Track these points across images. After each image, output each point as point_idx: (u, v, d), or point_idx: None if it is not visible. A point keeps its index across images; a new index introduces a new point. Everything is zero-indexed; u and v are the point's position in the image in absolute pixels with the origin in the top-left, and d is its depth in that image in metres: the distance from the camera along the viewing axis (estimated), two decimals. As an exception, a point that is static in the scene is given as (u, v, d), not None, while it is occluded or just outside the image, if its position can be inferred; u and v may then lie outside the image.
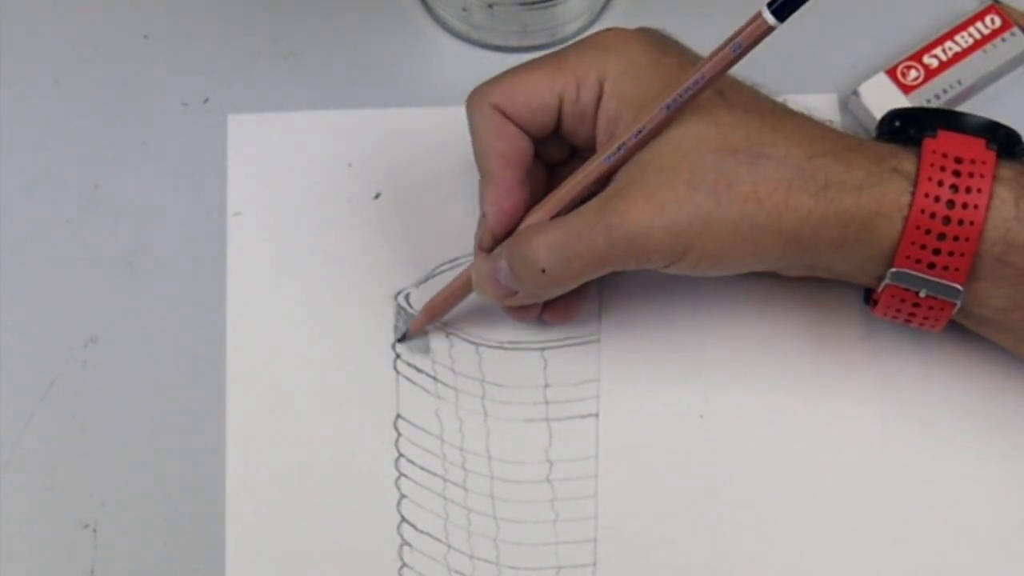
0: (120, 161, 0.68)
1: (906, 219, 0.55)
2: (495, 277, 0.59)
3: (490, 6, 0.68)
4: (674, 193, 0.55)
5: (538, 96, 0.59)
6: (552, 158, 0.63)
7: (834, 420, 0.63)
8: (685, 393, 0.64)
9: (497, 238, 0.60)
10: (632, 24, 0.60)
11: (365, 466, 0.63)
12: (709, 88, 0.55)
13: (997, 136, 0.57)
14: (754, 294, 0.65)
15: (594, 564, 0.61)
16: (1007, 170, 0.56)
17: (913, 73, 0.68)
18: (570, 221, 0.57)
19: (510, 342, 0.64)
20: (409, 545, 0.62)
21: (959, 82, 0.68)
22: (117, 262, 0.67)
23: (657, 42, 0.59)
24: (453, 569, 0.62)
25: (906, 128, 0.59)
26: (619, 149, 0.57)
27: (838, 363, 0.64)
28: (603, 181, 0.58)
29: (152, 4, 0.71)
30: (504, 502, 0.62)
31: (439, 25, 0.71)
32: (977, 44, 0.68)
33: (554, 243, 0.57)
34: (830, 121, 0.59)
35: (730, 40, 0.54)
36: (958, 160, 0.55)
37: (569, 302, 0.62)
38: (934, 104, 0.67)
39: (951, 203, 0.55)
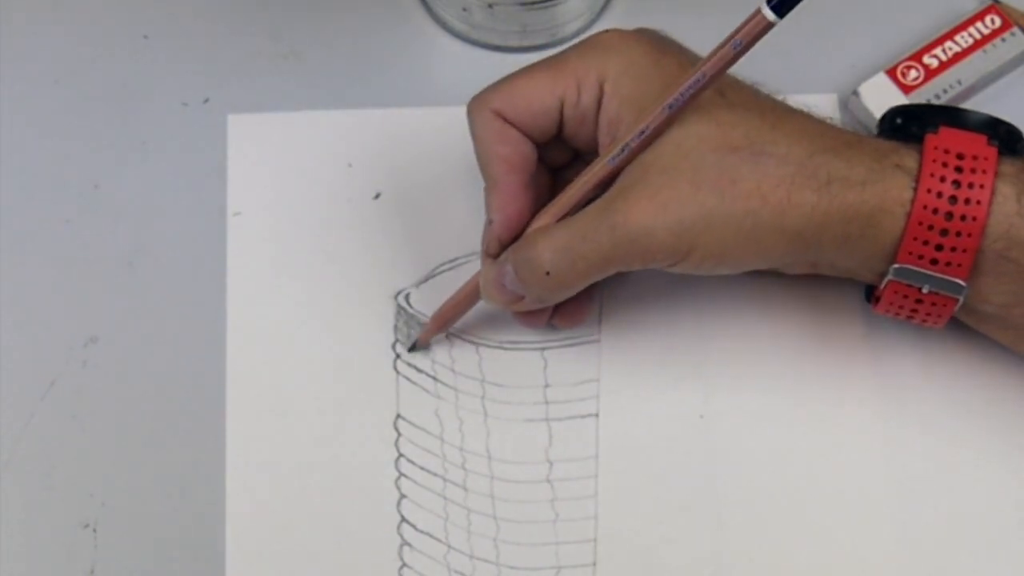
0: (120, 161, 0.68)
1: (909, 215, 0.55)
2: (501, 283, 0.59)
3: (490, 6, 0.68)
4: (677, 192, 0.55)
5: (539, 100, 0.59)
6: (555, 162, 0.63)
7: (834, 420, 0.63)
8: (685, 393, 0.64)
9: (504, 243, 0.60)
10: (632, 24, 0.60)
11: (365, 466, 0.63)
12: (710, 87, 0.55)
13: (998, 132, 0.57)
14: (754, 294, 0.65)
15: (594, 564, 0.61)
16: (1009, 166, 0.56)
17: (913, 73, 0.68)
18: (574, 223, 0.57)
19: (510, 342, 0.64)
20: (409, 545, 0.62)
21: (959, 82, 0.68)
22: (117, 262, 0.66)
23: (656, 42, 0.59)
24: (453, 569, 0.62)
25: (907, 125, 0.59)
26: (622, 150, 0.57)
27: (839, 363, 0.64)
28: (607, 183, 0.58)
29: (152, 4, 0.72)
30: (504, 502, 0.62)
31: (439, 25, 0.71)
32: (977, 44, 0.68)
33: (558, 246, 0.57)
34: (830, 118, 0.59)
35: (730, 38, 0.54)
36: (960, 156, 0.56)
37: (578, 305, 0.62)
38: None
39: (953, 199, 0.55)
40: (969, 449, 0.62)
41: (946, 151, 0.56)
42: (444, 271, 0.66)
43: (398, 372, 0.64)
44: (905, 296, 0.58)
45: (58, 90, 0.70)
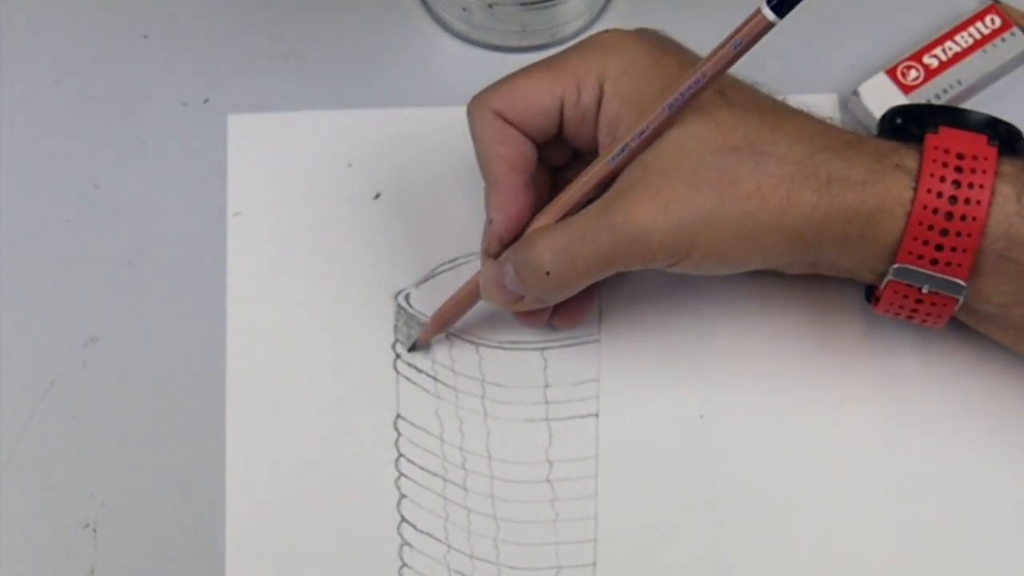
0: (120, 161, 0.68)
1: (908, 215, 0.55)
2: (501, 282, 0.59)
3: (490, 6, 0.68)
4: (676, 192, 0.55)
5: (539, 100, 0.59)
6: (555, 162, 0.63)
7: (834, 420, 0.63)
8: (685, 393, 0.64)
9: (504, 244, 0.60)
10: (632, 24, 0.60)
11: (365, 466, 0.63)
12: (710, 87, 0.55)
13: (998, 132, 0.57)
14: (754, 294, 0.65)
15: (594, 564, 0.61)
16: (1009, 166, 0.56)
17: (913, 73, 0.68)
18: (574, 223, 0.57)
19: (510, 342, 0.64)
20: (409, 545, 0.62)
21: (959, 82, 0.68)
22: (117, 262, 0.66)
23: (656, 42, 0.59)
24: (453, 569, 0.62)
25: (907, 125, 0.59)
26: (623, 150, 0.57)
27: (838, 363, 0.64)
28: (607, 183, 0.58)
29: (152, 4, 0.72)
30: (504, 502, 0.62)
31: (439, 25, 0.71)
32: (977, 44, 0.68)
33: (558, 245, 0.57)
34: (830, 118, 0.59)
35: (730, 38, 0.54)
36: (960, 156, 0.56)
37: (577, 305, 0.62)
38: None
39: (953, 199, 0.55)
40: (969, 449, 0.62)
41: (946, 151, 0.56)
42: (444, 271, 0.66)
43: (398, 372, 0.64)
44: (905, 296, 0.58)
45: (58, 90, 0.70)
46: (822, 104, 0.66)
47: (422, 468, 0.63)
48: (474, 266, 0.63)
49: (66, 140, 0.69)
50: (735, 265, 0.58)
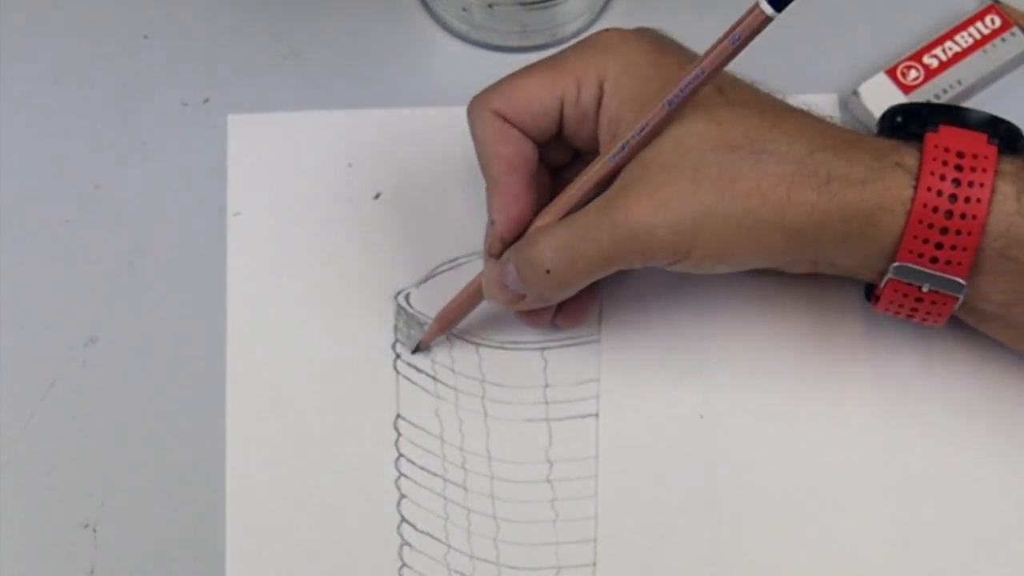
0: (120, 161, 0.68)
1: (908, 213, 0.55)
2: (503, 282, 0.59)
3: (490, 6, 0.68)
4: (677, 190, 0.55)
5: (539, 100, 0.59)
6: (556, 162, 0.63)
7: (834, 419, 0.63)
8: (685, 393, 0.64)
9: (506, 243, 0.60)
10: (632, 24, 0.60)
11: (365, 466, 0.63)
12: (710, 83, 0.55)
13: (998, 131, 0.57)
14: (754, 293, 0.65)
15: (594, 564, 0.61)
16: (1009, 165, 0.56)
17: (913, 73, 0.68)
18: (574, 222, 0.57)
19: (510, 342, 0.64)
20: (409, 545, 0.62)
21: (959, 82, 0.68)
22: (117, 262, 0.66)
23: (656, 41, 0.59)
24: (453, 569, 0.62)
25: (907, 124, 0.59)
26: (623, 148, 0.57)
27: (838, 362, 0.64)
28: (608, 181, 0.58)
29: (152, 4, 0.72)
30: (504, 502, 0.62)
31: (439, 25, 0.71)
32: (977, 44, 0.68)
33: (559, 244, 0.57)
34: (830, 117, 0.59)
35: (728, 33, 0.54)
36: (960, 155, 0.56)
37: (580, 305, 0.62)
38: (934, 105, 0.68)
39: (953, 197, 0.55)
40: (969, 449, 0.62)
41: (946, 150, 0.56)
42: (444, 271, 0.66)
43: (398, 372, 0.64)
44: (905, 295, 0.58)
45: (58, 90, 0.70)
46: (822, 104, 0.66)
47: (422, 468, 0.63)
48: (474, 266, 0.63)
49: (66, 140, 0.69)
50: (735, 263, 0.57)
